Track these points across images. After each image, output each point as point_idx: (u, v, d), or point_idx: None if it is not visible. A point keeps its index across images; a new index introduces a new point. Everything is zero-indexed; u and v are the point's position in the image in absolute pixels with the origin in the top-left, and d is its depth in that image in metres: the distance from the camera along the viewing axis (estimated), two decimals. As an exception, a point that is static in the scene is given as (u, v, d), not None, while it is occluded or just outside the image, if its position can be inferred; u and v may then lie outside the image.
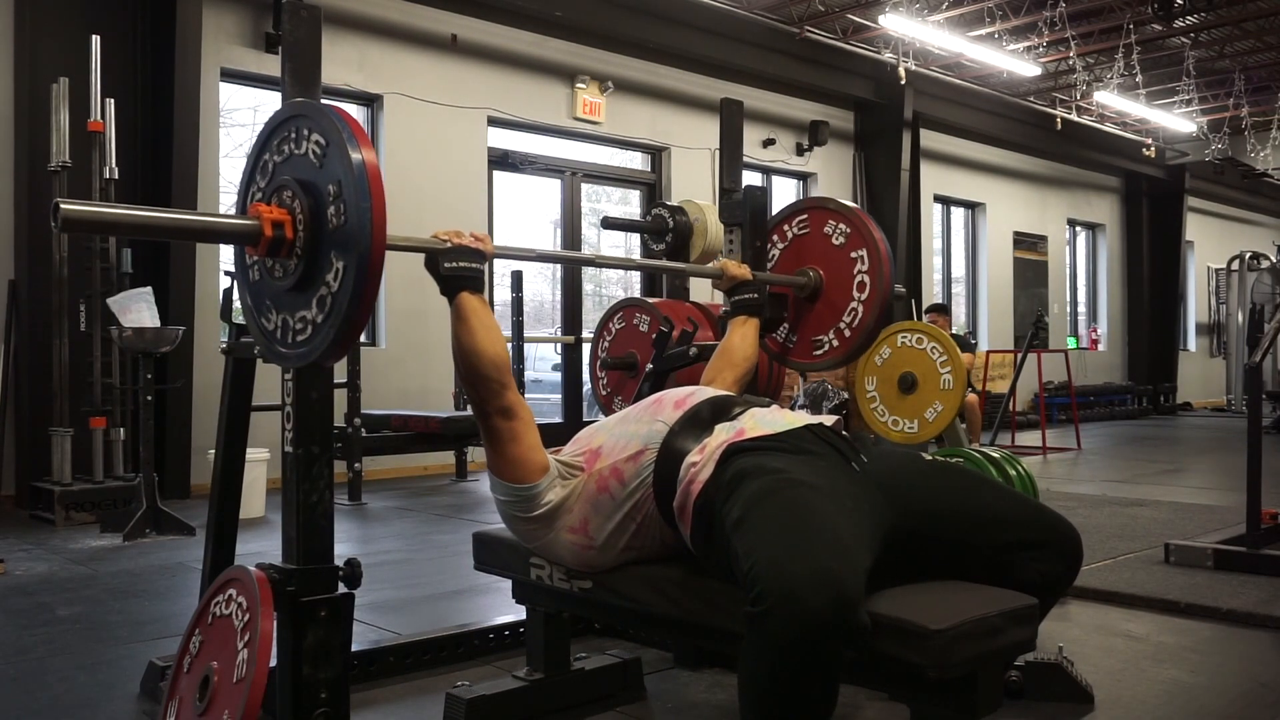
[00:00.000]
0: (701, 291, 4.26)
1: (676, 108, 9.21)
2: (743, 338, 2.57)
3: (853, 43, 10.00)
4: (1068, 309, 14.49)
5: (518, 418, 1.99)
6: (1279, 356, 11.25)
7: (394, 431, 6.37)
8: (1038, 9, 9.50)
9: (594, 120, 8.62)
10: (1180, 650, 2.88)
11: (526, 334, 7.11)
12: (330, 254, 1.67)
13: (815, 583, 1.49)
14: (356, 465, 5.84)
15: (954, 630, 1.58)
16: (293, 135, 1.76)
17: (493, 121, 8.03)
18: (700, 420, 1.97)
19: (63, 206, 1.53)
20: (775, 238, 2.87)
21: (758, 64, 9.46)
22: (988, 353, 10.07)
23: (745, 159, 3.22)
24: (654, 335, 2.98)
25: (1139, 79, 10.75)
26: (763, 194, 2.85)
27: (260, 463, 5.26)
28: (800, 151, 10.38)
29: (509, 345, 5.54)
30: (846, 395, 6.51)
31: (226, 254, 5.66)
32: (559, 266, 8.81)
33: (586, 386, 7.82)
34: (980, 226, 12.93)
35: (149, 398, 4.90)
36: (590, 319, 8.10)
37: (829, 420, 2.00)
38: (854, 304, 2.71)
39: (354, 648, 2.37)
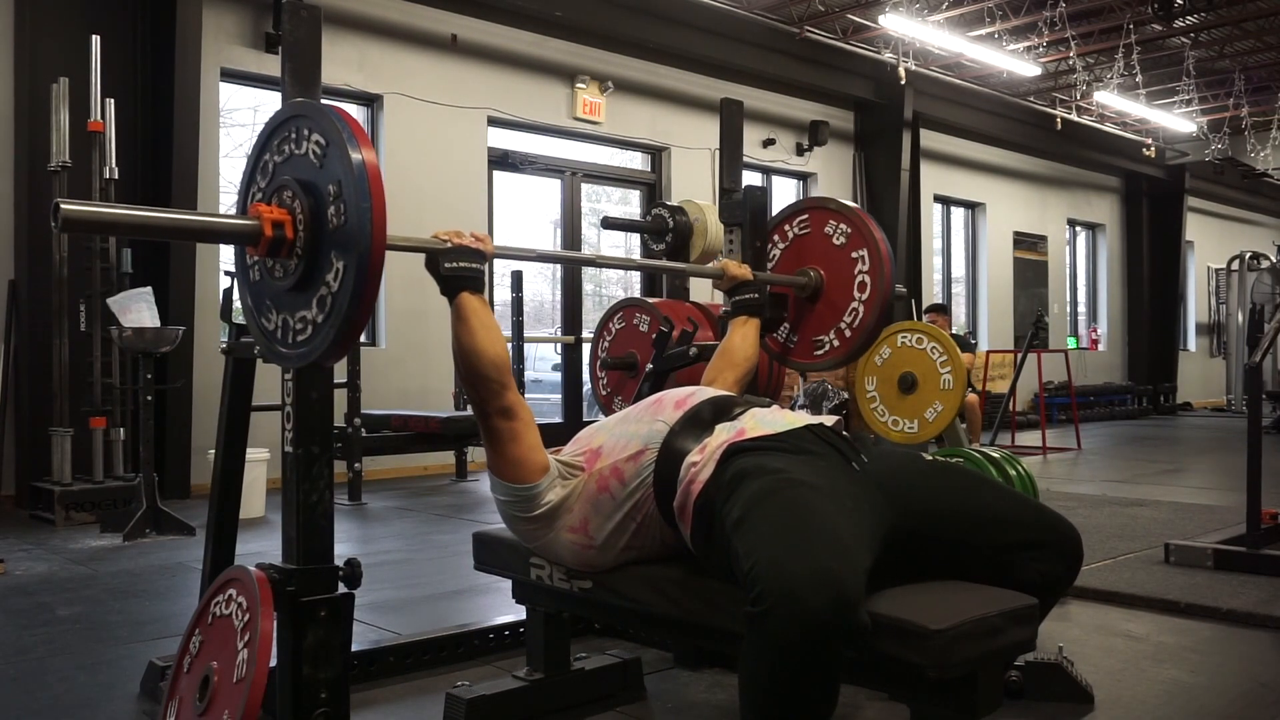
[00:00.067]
0: (701, 291, 4.26)
1: (676, 108, 9.21)
2: (743, 338, 2.57)
3: (853, 43, 10.00)
4: (1068, 309, 14.49)
5: (518, 418, 2.00)
6: (1279, 356, 11.25)
7: (394, 431, 6.37)
8: (1038, 9, 9.50)
9: (594, 120, 8.62)
10: (1180, 650, 2.88)
11: (526, 334, 7.11)
12: (330, 254, 1.67)
13: (815, 583, 1.49)
14: (356, 465, 5.84)
15: (954, 630, 1.58)
16: (293, 135, 1.76)
17: (493, 121, 8.03)
18: (701, 420, 1.97)
19: (63, 207, 1.53)
20: (776, 238, 2.87)
21: (758, 64, 9.46)
22: (988, 353, 10.07)
23: (745, 159, 3.22)
24: (654, 335, 2.98)
25: (1139, 79, 10.76)
26: (763, 194, 2.85)
27: (260, 463, 5.26)
28: (800, 151, 10.38)
29: (509, 345, 5.55)
30: (846, 395, 6.51)
31: (226, 254, 5.66)
32: (559, 266, 8.81)
33: (586, 386, 7.82)
34: (980, 226, 12.93)
35: (149, 398, 4.90)
36: (590, 319, 8.10)
37: (829, 420, 2.00)
38: (855, 304, 2.71)
39: (354, 648, 2.37)
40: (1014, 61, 10.09)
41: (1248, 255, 13.30)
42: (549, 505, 2.00)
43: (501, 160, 8.13)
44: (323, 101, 1.83)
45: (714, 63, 9.24)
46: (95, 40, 5.51)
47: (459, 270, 1.99)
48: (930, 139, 11.50)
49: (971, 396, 7.40)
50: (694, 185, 8.92)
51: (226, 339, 2.40)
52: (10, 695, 2.57)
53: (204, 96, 6.40)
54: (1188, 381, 15.60)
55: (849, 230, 2.72)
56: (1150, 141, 13.62)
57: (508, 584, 2.39)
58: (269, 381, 2.26)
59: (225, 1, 6.68)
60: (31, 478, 5.56)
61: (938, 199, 12.22)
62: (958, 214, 12.87)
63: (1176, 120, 12.48)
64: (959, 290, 12.96)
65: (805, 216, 2.82)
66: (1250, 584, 3.50)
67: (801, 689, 1.52)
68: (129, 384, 5.60)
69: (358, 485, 5.87)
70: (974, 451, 3.62)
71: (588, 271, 8.97)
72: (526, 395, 6.55)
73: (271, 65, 6.64)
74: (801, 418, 1.99)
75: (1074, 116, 12.56)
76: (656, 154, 9.28)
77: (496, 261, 2.34)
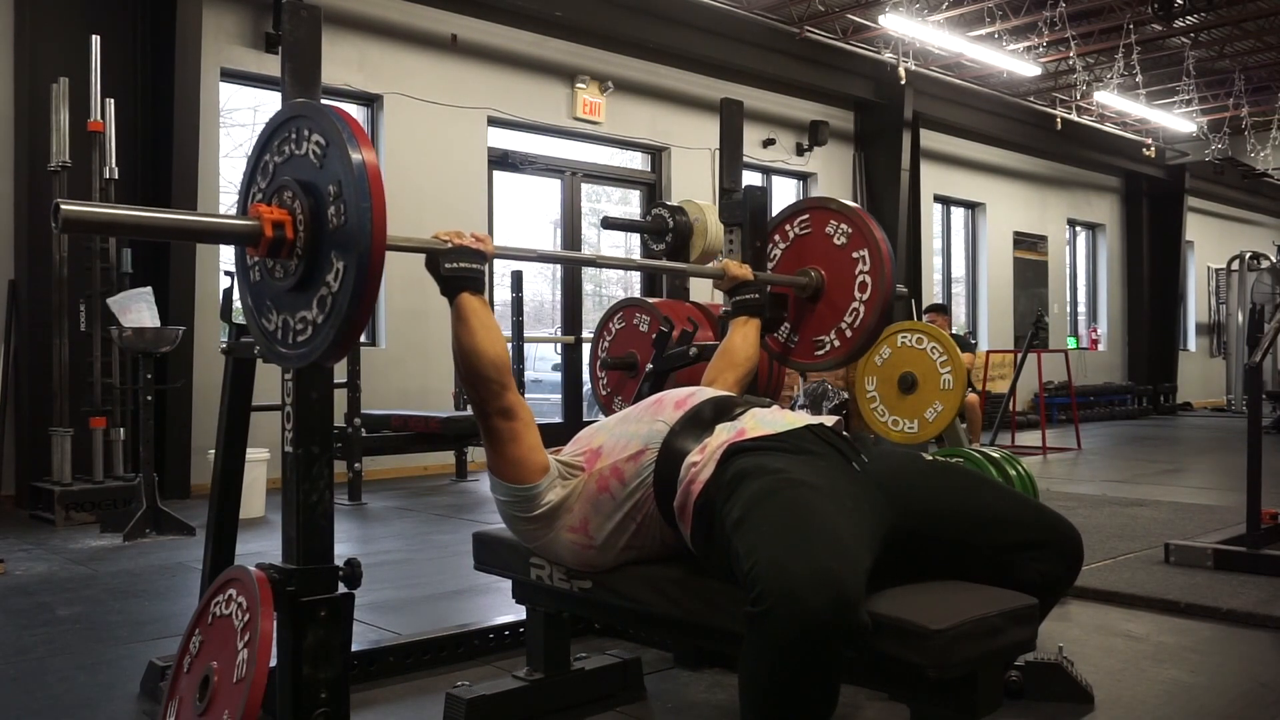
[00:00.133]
0: (701, 291, 4.26)
1: (676, 108, 9.21)
2: (744, 338, 2.57)
3: (853, 43, 10.00)
4: (1068, 309, 14.49)
5: (518, 418, 2.00)
6: (1279, 356, 11.25)
7: (394, 431, 6.37)
8: (1038, 9, 9.50)
9: (594, 120, 8.62)
10: (1180, 650, 2.88)
11: (526, 334, 7.11)
12: (330, 254, 1.67)
13: (815, 583, 1.49)
14: (356, 465, 5.84)
15: (954, 630, 1.58)
16: (293, 136, 1.76)
17: (493, 121, 8.03)
18: (701, 420, 1.97)
19: (63, 207, 1.53)
20: (777, 238, 2.87)
21: (758, 64, 9.46)
22: (988, 353, 10.07)
23: (745, 159, 3.22)
24: (654, 335, 2.98)
25: (1139, 79, 10.76)
26: (763, 194, 2.85)
27: (260, 463, 5.26)
28: (800, 151, 10.38)
29: (509, 345, 5.55)
30: (846, 395, 6.51)
31: (226, 254, 5.66)
32: (559, 266, 8.81)
33: (586, 386, 7.82)
34: (980, 226, 12.93)
35: (149, 398, 4.90)
36: (590, 319, 8.10)
37: (829, 420, 2.00)
38: (855, 304, 2.71)
39: (354, 648, 2.37)
40: (1014, 61, 10.09)
41: (1248, 255, 13.30)
42: (549, 505, 2.00)
43: (501, 160, 8.13)
44: (323, 102, 1.84)
45: (714, 63, 9.24)
46: (95, 40, 5.51)
47: (459, 271, 1.99)
48: (930, 139, 11.50)
49: (972, 396, 7.40)
50: (694, 185, 8.92)
51: (226, 339, 2.40)
52: (10, 695, 2.57)
53: (204, 96, 6.40)
54: (1188, 381, 15.60)
55: (850, 230, 2.72)
56: (1150, 141, 13.62)
57: (508, 584, 2.39)
58: (269, 381, 2.26)
59: (225, 1, 6.68)
60: (31, 478, 5.56)
61: (938, 199, 12.22)
62: (958, 214, 12.87)
63: (1176, 120, 12.48)
64: (959, 290, 12.96)
65: (806, 216, 2.82)
66: (1250, 584, 3.50)
67: (801, 689, 1.52)
68: (129, 384, 5.60)
69: (358, 485, 5.87)
70: (974, 451, 3.62)
71: (588, 271, 8.97)
72: (526, 395, 6.55)
73: (271, 65, 6.64)
74: (802, 418, 1.99)
75: (1074, 116, 12.56)
76: (656, 154, 9.28)
77: (496, 261, 2.34)
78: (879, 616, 1.59)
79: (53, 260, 5.46)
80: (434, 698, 2.41)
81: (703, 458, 1.88)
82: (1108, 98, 11.33)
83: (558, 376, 8.87)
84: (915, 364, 4.18)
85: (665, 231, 3.51)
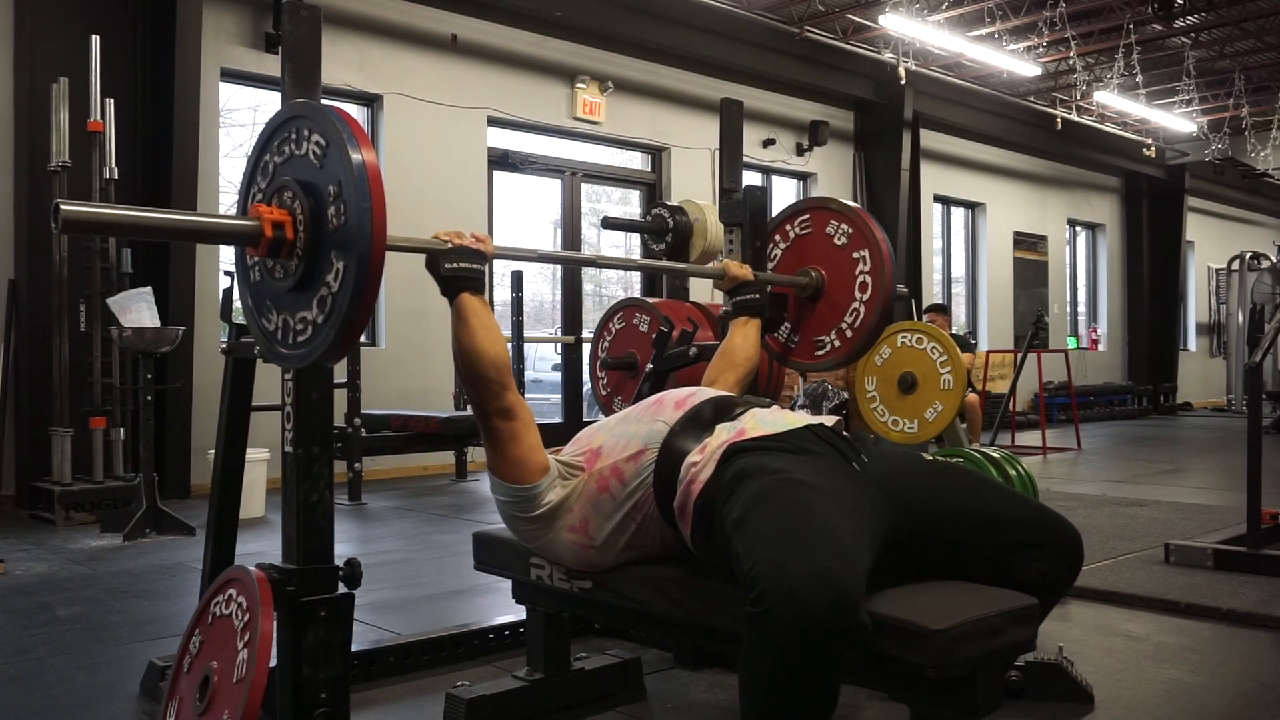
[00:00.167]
0: (701, 291, 4.26)
1: (676, 108, 9.22)
2: (744, 338, 2.57)
3: (853, 43, 10.00)
4: (1068, 309, 14.49)
5: (518, 418, 2.00)
6: (1279, 356, 11.25)
7: (394, 431, 6.37)
8: (1038, 9, 9.50)
9: (594, 120, 8.62)
10: (1180, 650, 2.88)
11: (526, 334, 7.11)
12: (331, 254, 1.67)
13: (816, 583, 1.49)
14: (356, 465, 5.84)
15: (954, 630, 1.58)
16: (293, 136, 1.76)
17: (493, 121, 8.03)
18: (701, 420, 1.97)
19: (63, 208, 1.53)
20: (777, 237, 2.87)
21: (758, 64, 9.46)
22: (988, 353, 10.07)
23: (745, 159, 3.22)
24: (654, 335, 2.98)
25: (1139, 79, 10.76)
26: (763, 194, 2.85)
27: (260, 463, 5.26)
28: (800, 151, 10.38)
29: (509, 345, 5.55)
30: (846, 395, 6.51)
31: (226, 254, 5.66)
32: (559, 266, 8.81)
33: (586, 386, 7.82)
34: (980, 226, 12.93)
35: (149, 398, 4.90)
36: (590, 319, 8.10)
37: (829, 420, 2.00)
38: (856, 304, 2.70)
39: (354, 648, 2.37)
40: (1014, 61, 10.09)
41: (1248, 255, 13.29)
42: (549, 505, 2.00)
43: (501, 160, 8.13)
44: (323, 102, 1.84)
45: (714, 63, 9.24)
46: (95, 40, 5.51)
47: (459, 271, 1.99)
48: (930, 139, 11.50)
49: (972, 396, 7.40)
50: (694, 185, 8.92)
51: (226, 339, 2.40)
52: (10, 695, 2.57)
53: (204, 96, 6.40)
54: (1188, 381, 15.60)
55: (850, 230, 2.72)
56: (1150, 141, 13.62)
57: (508, 584, 2.39)
58: (269, 381, 2.26)
59: (225, 1, 6.68)
60: (31, 478, 5.56)
61: (938, 199, 12.22)
62: (958, 214, 12.87)
63: (1176, 120, 12.48)
64: (959, 290, 12.96)
65: (807, 216, 2.82)
66: (1250, 584, 3.50)
67: (801, 689, 1.52)
68: (129, 384, 5.60)
69: (358, 485, 5.87)
70: (974, 451, 3.62)
71: (588, 271, 8.97)
72: (526, 395, 6.54)
73: (271, 65, 6.64)
74: (801, 418, 1.99)
75: (1074, 116, 12.56)
76: (656, 154, 9.28)
77: (496, 261, 2.34)
78: (879, 616, 1.59)
79: (53, 260, 5.46)
80: (434, 698, 2.41)
81: (703, 458, 1.88)
82: (1108, 98, 11.33)
83: (558, 376, 8.87)
84: (915, 364, 4.18)
85: (665, 231, 3.51)
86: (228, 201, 6.73)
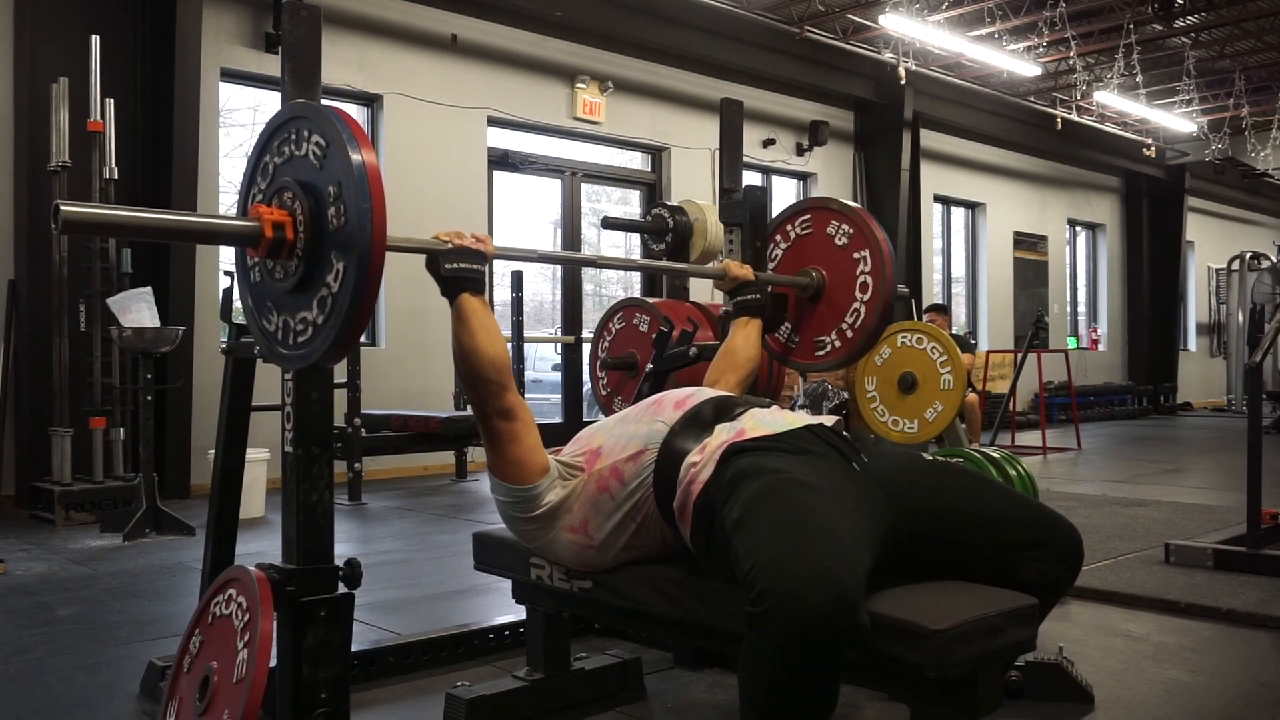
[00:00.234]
0: (701, 291, 4.26)
1: (676, 108, 9.22)
2: (745, 339, 2.57)
3: (853, 43, 10.00)
4: (1068, 309, 14.49)
5: (518, 419, 2.00)
6: (1279, 356, 11.25)
7: (394, 431, 6.37)
8: (1038, 9, 9.50)
9: (594, 120, 8.62)
10: (1180, 650, 2.88)
11: (526, 334, 7.11)
12: (331, 255, 1.67)
13: (815, 583, 1.49)
14: (356, 465, 5.84)
15: (954, 630, 1.58)
16: (293, 136, 1.76)
17: (493, 121, 8.03)
18: (701, 420, 1.97)
19: (63, 208, 1.53)
20: (778, 238, 2.87)
21: (758, 64, 9.46)
22: (988, 353, 10.07)
23: (745, 159, 3.22)
24: (654, 335, 2.98)
25: (1139, 79, 10.76)
26: (763, 194, 2.85)
27: (260, 463, 5.26)
28: (800, 151, 10.38)
29: (509, 345, 5.55)
30: (846, 395, 6.51)
31: (226, 254, 5.66)
32: (559, 266, 8.81)
33: (586, 386, 7.82)
34: (980, 226, 12.93)
35: (149, 398, 4.90)
36: (590, 319, 8.10)
37: (829, 420, 2.00)
38: (857, 304, 2.70)
39: (354, 648, 2.37)
40: (1014, 61, 10.09)
41: (1248, 255, 13.30)
42: (549, 506, 2.01)
43: (501, 160, 8.13)
44: (323, 102, 1.84)
45: (714, 63, 9.24)
46: (95, 40, 5.51)
47: (459, 271, 1.99)
48: (930, 139, 11.50)
49: (971, 396, 7.40)
50: (694, 185, 8.92)
51: (226, 339, 2.40)
52: (10, 695, 2.57)
53: (204, 96, 6.40)
54: (1188, 381, 15.60)
55: (851, 231, 2.72)
56: (1150, 141, 13.62)
57: (508, 584, 2.39)
58: (269, 381, 2.26)
59: (225, 1, 6.68)
60: (31, 478, 5.56)
61: (938, 199, 12.22)
62: (958, 214, 12.87)
63: (1176, 120, 12.48)
64: (959, 290, 12.96)
65: (808, 217, 2.82)
66: (1250, 584, 3.50)
67: (801, 689, 1.52)
68: (129, 384, 5.60)
69: (358, 485, 5.87)
70: (974, 451, 3.62)
71: (588, 271, 8.98)
72: (526, 395, 6.55)
73: (271, 65, 6.64)
74: (801, 418, 1.99)
75: (1074, 116, 12.56)
76: (656, 154, 9.28)
77: (496, 261, 2.34)
78: (879, 616, 1.59)
79: (53, 260, 5.46)
80: (434, 698, 2.41)
81: (702, 458, 1.88)
82: (1108, 98, 11.33)
83: (558, 376, 8.87)
84: (915, 364, 4.18)
85: (665, 231, 3.51)
86: (228, 201, 6.74)
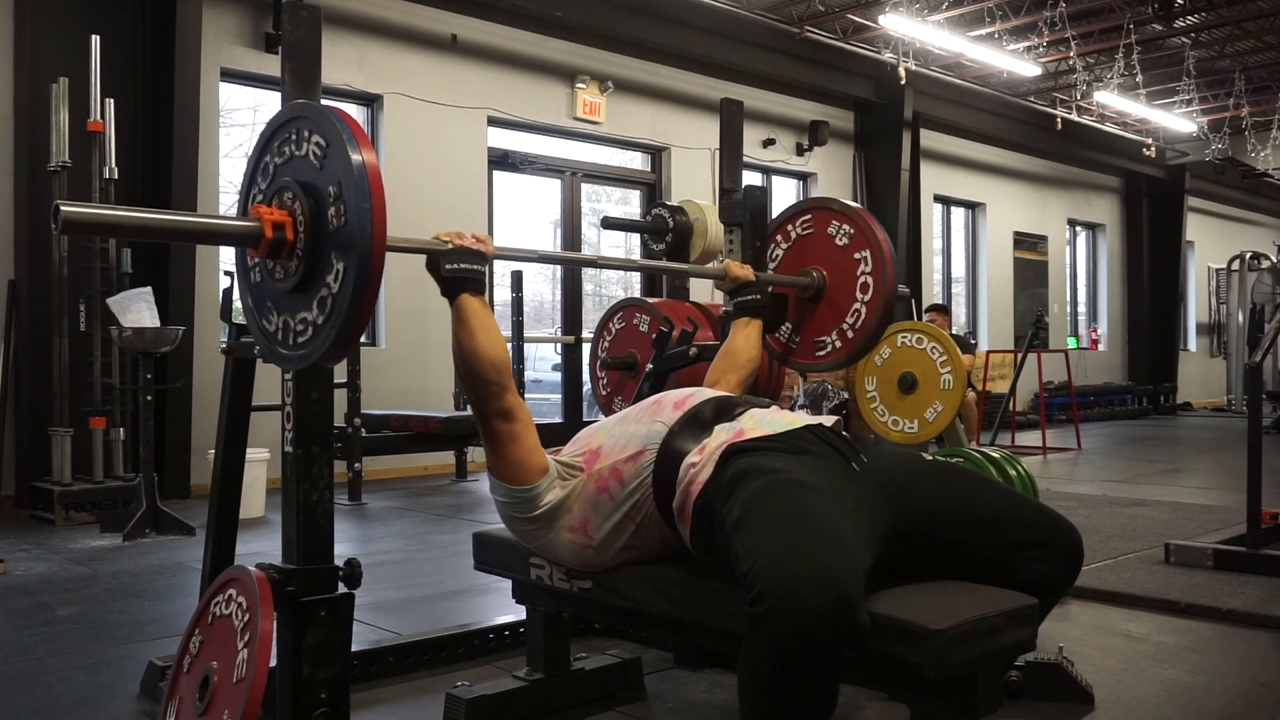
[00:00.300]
0: (701, 291, 4.26)
1: (676, 108, 9.22)
2: (746, 339, 2.57)
3: (853, 43, 10.00)
4: (1068, 309, 14.49)
5: (517, 420, 2.00)
6: (1279, 356, 11.25)
7: (394, 431, 6.37)
8: (1038, 9, 9.50)
9: (594, 120, 8.62)
10: (1180, 650, 2.88)
11: (526, 334, 7.11)
12: (331, 255, 1.67)
13: (815, 583, 1.49)
14: (356, 465, 5.84)
15: (954, 630, 1.58)
16: (293, 137, 1.76)
17: (493, 121, 8.03)
18: (700, 421, 1.97)
19: (63, 209, 1.53)
20: (779, 238, 2.87)
21: (758, 64, 9.47)
22: (988, 353, 10.07)
23: (745, 159, 3.22)
24: (654, 335, 2.98)
25: (1139, 79, 10.76)
26: (763, 194, 2.85)
27: (260, 463, 5.26)
28: (800, 151, 10.38)
29: (509, 345, 5.55)
30: (846, 395, 6.51)
31: (227, 254, 5.66)
32: (559, 266, 8.81)
33: (586, 386, 7.82)
34: (980, 226, 12.93)
35: (149, 398, 4.90)
36: (590, 319, 8.10)
37: (829, 420, 2.00)
38: (857, 305, 2.70)
39: (354, 648, 2.37)
40: (1014, 61, 10.09)
41: (1248, 255, 13.29)
42: (548, 506, 2.01)
43: (501, 160, 8.13)
44: (323, 102, 1.83)
45: (714, 63, 9.24)
46: (95, 40, 5.51)
47: (460, 272, 1.99)
48: (930, 139, 11.50)
49: (970, 395, 7.40)
50: (694, 185, 8.92)
51: (226, 339, 2.40)
52: (10, 695, 2.57)
53: (204, 96, 6.40)
54: (1188, 381, 15.60)
55: (852, 231, 2.72)
56: (1150, 141, 13.62)
57: (508, 584, 2.39)
58: (269, 381, 2.26)
59: (225, 1, 6.68)
60: (31, 478, 5.56)
61: (938, 199, 12.22)
62: (958, 214, 12.87)
63: (1176, 120, 12.48)
64: (959, 290, 12.96)
65: (808, 217, 2.82)
66: (1250, 584, 3.50)
67: (801, 689, 1.52)
68: (129, 384, 5.60)
69: (358, 485, 5.87)
70: (974, 451, 3.62)
71: (588, 271, 8.97)
72: (526, 395, 6.55)
73: (271, 65, 6.64)
74: (801, 418, 1.99)
75: (1074, 116, 12.56)
76: (656, 154, 9.28)
77: (496, 262, 2.34)
78: (879, 616, 1.59)
79: (53, 260, 5.46)
80: (434, 698, 2.41)
81: (702, 458, 1.88)
82: (1108, 98, 11.33)
83: (558, 376, 8.87)
84: (915, 364, 4.18)
85: (665, 231, 3.51)
86: (228, 201, 6.74)
